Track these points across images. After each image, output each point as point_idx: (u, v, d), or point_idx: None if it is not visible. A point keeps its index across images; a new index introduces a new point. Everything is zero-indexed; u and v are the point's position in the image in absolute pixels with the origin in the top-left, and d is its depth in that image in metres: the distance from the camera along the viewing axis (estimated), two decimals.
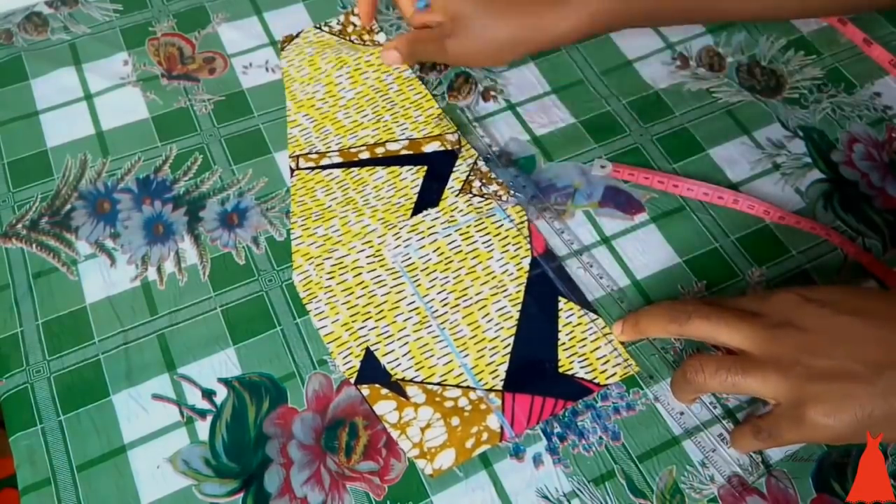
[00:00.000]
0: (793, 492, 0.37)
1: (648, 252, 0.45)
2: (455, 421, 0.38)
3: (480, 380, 0.39)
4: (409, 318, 0.41)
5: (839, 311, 0.33)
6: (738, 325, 0.34)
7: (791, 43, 0.55)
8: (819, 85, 0.53)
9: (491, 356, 0.40)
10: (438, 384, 0.39)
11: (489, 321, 0.41)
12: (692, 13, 0.46)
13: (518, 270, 0.43)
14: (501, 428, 0.38)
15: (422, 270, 0.43)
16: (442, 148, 0.48)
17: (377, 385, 0.39)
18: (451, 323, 0.41)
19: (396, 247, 0.44)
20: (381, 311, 0.42)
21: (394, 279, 0.43)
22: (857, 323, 0.32)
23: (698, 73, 0.53)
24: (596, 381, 0.40)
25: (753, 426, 0.35)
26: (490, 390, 0.39)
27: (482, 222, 0.45)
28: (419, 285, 0.42)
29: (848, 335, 0.32)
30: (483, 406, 0.38)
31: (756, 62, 0.54)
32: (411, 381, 0.39)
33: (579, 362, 0.40)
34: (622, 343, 0.41)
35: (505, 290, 0.42)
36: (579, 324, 0.41)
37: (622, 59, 0.53)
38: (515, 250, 0.44)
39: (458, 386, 0.39)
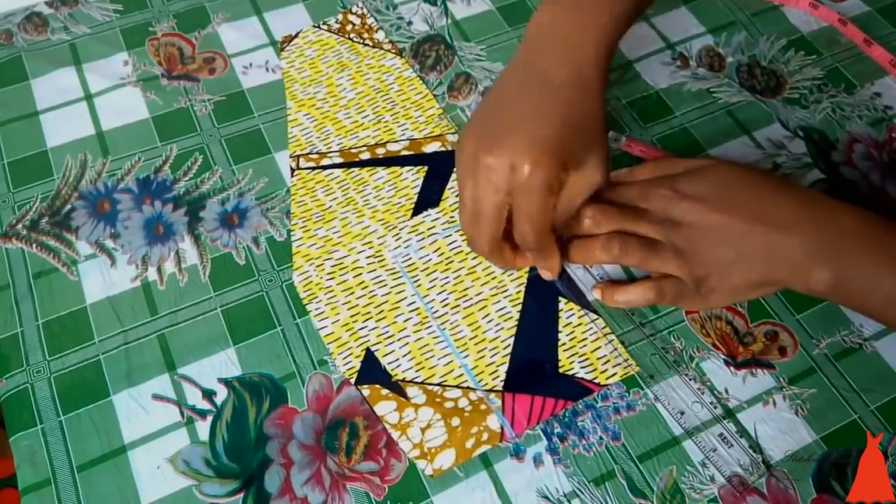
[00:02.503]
0: (793, 492, 0.37)
1: None
2: (455, 421, 0.38)
3: (480, 380, 0.39)
4: (410, 318, 0.41)
5: (709, 207, 0.40)
6: (638, 221, 0.41)
7: (791, 43, 0.55)
8: (819, 85, 0.53)
9: (491, 356, 0.40)
10: (439, 385, 0.39)
11: (489, 321, 0.41)
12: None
13: (518, 270, 0.43)
14: (502, 428, 0.38)
15: (422, 271, 0.43)
16: (443, 148, 0.48)
17: (377, 386, 0.39)
18: (451, 323, 0.41)
19: (396, 247, 0.44)
20: (382, 311, 0.42)
21: (394, 279, 0.43)
22: (724, 218, 0.39)
23: (698, 74, 0.53)
24: (596, 381, 0.40)
25: (659, 289, 0.40)
26: (490, 391, 0.39)
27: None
28: (419, 286, 0.42)
29: (716, 228, 0.39)
30: (483, 406, 0.39)
31: (756, 62, 0.54)
32: (411, 381, 0.39)
33: (579, 362, 0.40)
34: (621, 343, 0.41)
35: (505, 291, 0.42)
36: (579, 324, 0.41)
37: (622, 60, 0.53)
38: None
39: (458, 386, 0.39)
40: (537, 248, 0.39)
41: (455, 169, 0.40)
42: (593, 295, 0.42)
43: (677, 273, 0.40)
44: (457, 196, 0.46)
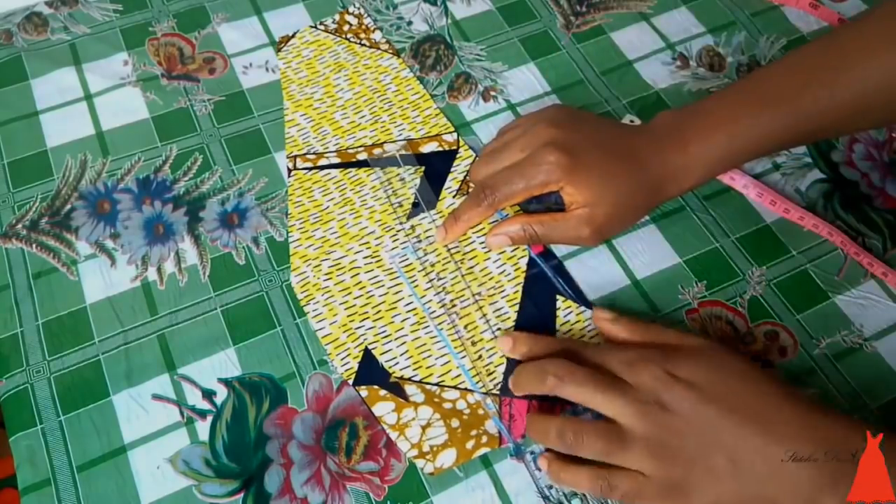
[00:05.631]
0: None
1: (648, 252, 0.45)
2: (455, 423, 0.38)
3: (478, 381, 0.39)
4: (407, 318, 0.41)
5: (704, 398, 0.34)
6: (611, 397, 0.35)
7: (791, 43, 0.55)
8: None
9: (489, 357, 0.40)
10: (437, 385, 0.39)
11: (487, 322, 0.41)
12: (792, 141, 0.44)
13: (515, 271, 0.43)
14: (499, 433, 0.38)
15: (419, 271, 0.43)
16: (440, 148, 0.48)
17: (375, 387, 0.39)
18: (448, 324, 0.41)
19: (394, 248, 0.44)
20: (379, 311, 0.42)
21: (391, 280, 0.43)
22: (719, 415, 0.34)
23: (698, 73, 0.53)
24: None
25: (610, 483, 0.34)
26: (487, 394, 0.39)
27: (479, 223, 0.45)
28: (416, 286, 0.42)
29: (710, 425, 0.34)
30: (481, 411, 0.39)
31: (756, 62, 0.54)
32: (409, 379, 0.39)
33: None
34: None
35: (502, 291, 0.42)
36: (577, 321, 0.41)
37: (622, 59, 0.53)
38: (512, 251, 0.44)
39: (455, 387, 0.39)
40: (466, 208, 0.42)
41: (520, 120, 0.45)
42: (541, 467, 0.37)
43: (645, 471, 0.34)
44: (453, 197, 0.46)
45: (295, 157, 0.48)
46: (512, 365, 0.40)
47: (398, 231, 0.44)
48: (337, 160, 0.47)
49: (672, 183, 0.41)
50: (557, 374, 0.35)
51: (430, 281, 0.43)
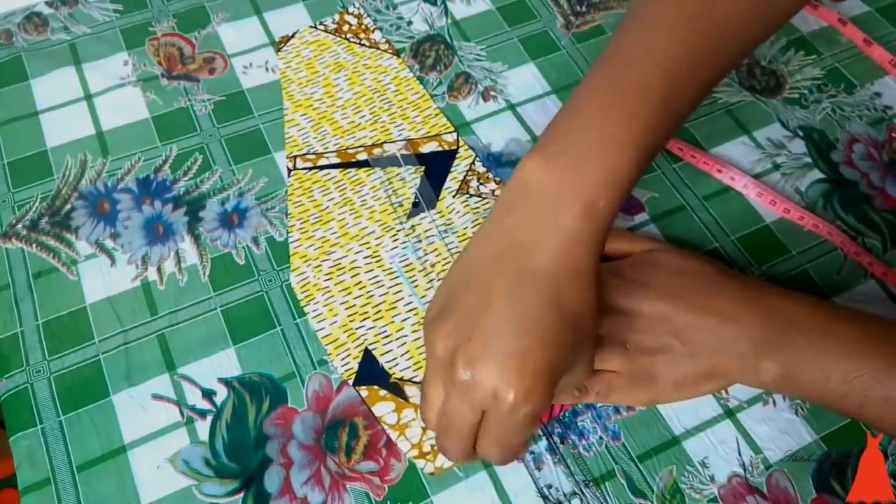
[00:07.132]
0: (793, 492, 0.37)
1: None
2: None
3: None
4: (407, 318, 0.41)
5: (651, 294, 0.38)
6: None
7: (791, 43, 0.55)
8: (819, 85, 0.53)
9: None
10: None
11: None
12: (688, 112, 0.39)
13: None
14: None
15: (419, 271, 0.43)
16: (440, 148, 0.48)
17: (375, 387, 0.39)
18: None
19: (394, 248, 0.44)
20: (379, 311, 0.42)
21: (391, 280, 0.43)
22: (666, 306, 0.38)
23: None
24: None
25: (584, 387, 0.38)
26: None
27: (479, 223, 0.45)
28: (417, 286, 0.42)
29: (660, 316, 0.38)
30: None
31: (756, 62, 0.54)
32: (410, 381, 0.39)
33: None
34: None
35: None
36: None
37: None
38: None
39: None
40: (502, 463, 0.35)
41: (425, 363, 0.35)
42: None
43: (620, 368, 0.38)
44: (453, 197, 0.46)
45: (295, 157, 0.48)
46: None
47: (398, 231, 0.44)
48: (337, 160, 0.47)
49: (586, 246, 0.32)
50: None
51: (430, 281, 0.43)
